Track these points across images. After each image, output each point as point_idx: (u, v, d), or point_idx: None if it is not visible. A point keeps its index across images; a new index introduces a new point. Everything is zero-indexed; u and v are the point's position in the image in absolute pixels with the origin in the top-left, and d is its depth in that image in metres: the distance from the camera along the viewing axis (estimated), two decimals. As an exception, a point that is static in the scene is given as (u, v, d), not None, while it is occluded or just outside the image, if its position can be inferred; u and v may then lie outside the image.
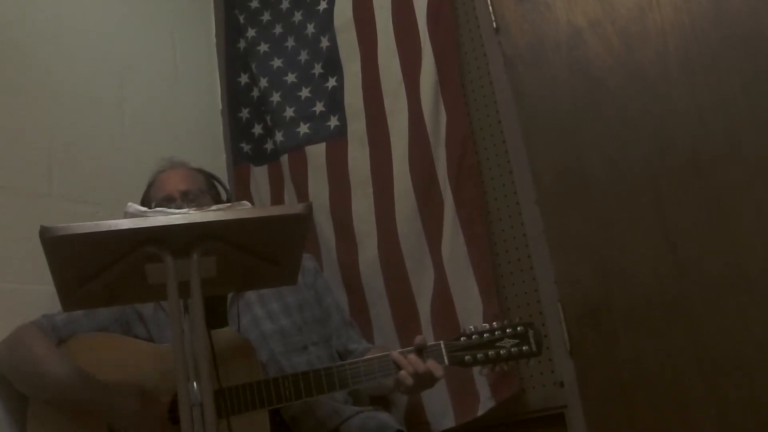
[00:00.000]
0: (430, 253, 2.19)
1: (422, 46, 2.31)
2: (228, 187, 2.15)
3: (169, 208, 1.72)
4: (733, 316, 1.68)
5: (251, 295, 1.95)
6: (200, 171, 2.06)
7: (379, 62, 2.42)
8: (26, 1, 2.26)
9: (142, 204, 1.95)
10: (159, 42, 2.67)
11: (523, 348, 1.73)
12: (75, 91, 2.30)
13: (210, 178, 2.06)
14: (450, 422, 2.05)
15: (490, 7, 2.21)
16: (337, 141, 2.46)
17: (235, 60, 2.81)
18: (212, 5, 2.93)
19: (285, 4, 2.73)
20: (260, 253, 1.35)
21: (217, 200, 2.01)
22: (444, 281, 2.14)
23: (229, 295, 1.93)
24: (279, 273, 1.43)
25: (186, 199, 1.91)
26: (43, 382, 1.77)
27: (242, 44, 2.79)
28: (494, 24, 2.20)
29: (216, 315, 1.88)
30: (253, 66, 2.71)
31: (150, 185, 2.03)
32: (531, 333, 1.74)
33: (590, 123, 1.97)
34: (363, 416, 1.87)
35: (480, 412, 1.98)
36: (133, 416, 1.67)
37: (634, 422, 1.81)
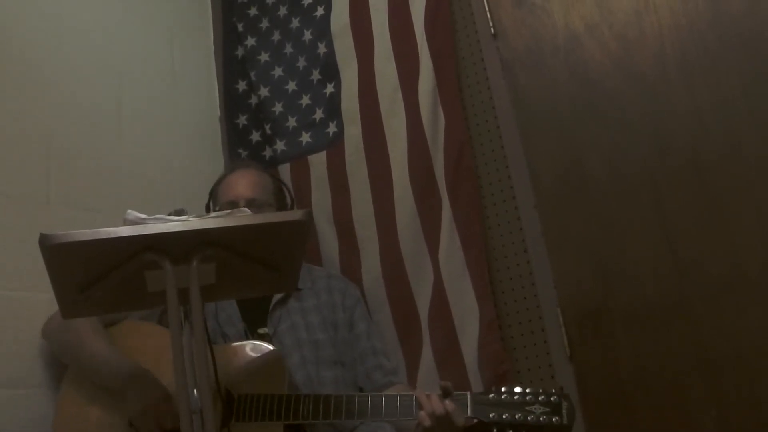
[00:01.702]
0: (430, 257, 2.18)
1: (419, 50, 2.30)
2: (293, 195, 2.19)
3: None
4: (733, 316, 1.68)
5: (294, 304, 1.99)
6: (270, 175, 2.08)
7: (376, 67, 2.42)
8: (26, 1, 2.25)
9: (209, 198, 2.03)
10: (157, 47, 2.67)
11: (554, 419, 1.58)
12: (73, 96, 2.29)
13: (278, 183, 2.09)
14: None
15: (488, 12, 2.22)
16: (336, 147, 2.46)
17: (232, 67, 2.81)
18: (210, 10, 2.93)
19: (282, 11, 2.73)
20: (260, 260, 1.35)
21: (283, 209, 2.04)
22: (440, 285, 2.13)
23: (273, 301, 1.97)
24: (279, 280, 1.43)
25: (251, 207, 1.88)
26: (81, 357, 1.82)
27: (240, 52, 2.78)
28: (492, 28, 2.20)
29: (257, 316, 1.93)
30: (252, 74, 2.71)
31: (219, 182, 2.06)
32: (565, 405, 1.60)
33: (589, 126, 1.97)
34: (374, 426, 1.88)
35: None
36: (141, 408, 1.67)
37: (634, 425, 1.81)
